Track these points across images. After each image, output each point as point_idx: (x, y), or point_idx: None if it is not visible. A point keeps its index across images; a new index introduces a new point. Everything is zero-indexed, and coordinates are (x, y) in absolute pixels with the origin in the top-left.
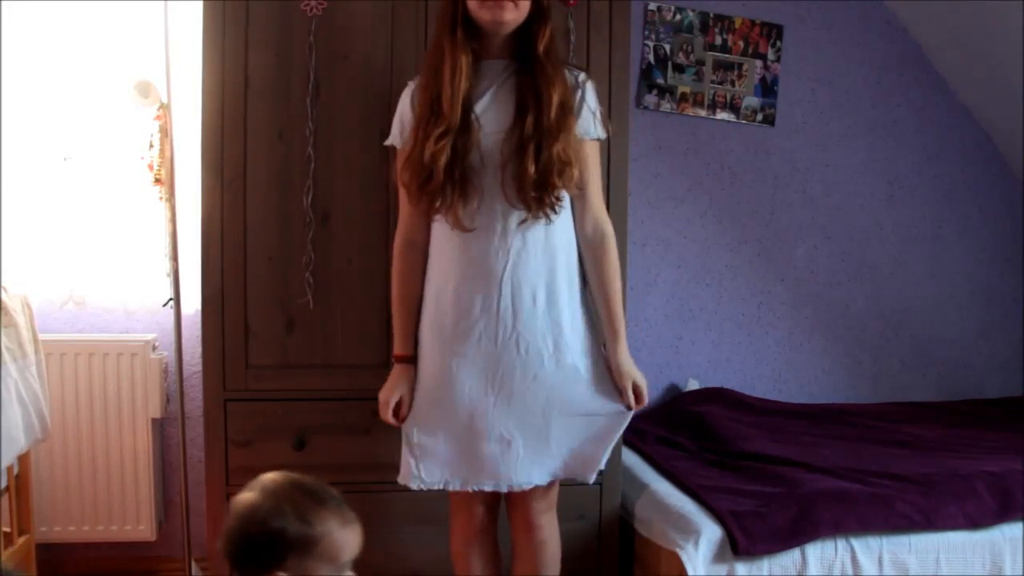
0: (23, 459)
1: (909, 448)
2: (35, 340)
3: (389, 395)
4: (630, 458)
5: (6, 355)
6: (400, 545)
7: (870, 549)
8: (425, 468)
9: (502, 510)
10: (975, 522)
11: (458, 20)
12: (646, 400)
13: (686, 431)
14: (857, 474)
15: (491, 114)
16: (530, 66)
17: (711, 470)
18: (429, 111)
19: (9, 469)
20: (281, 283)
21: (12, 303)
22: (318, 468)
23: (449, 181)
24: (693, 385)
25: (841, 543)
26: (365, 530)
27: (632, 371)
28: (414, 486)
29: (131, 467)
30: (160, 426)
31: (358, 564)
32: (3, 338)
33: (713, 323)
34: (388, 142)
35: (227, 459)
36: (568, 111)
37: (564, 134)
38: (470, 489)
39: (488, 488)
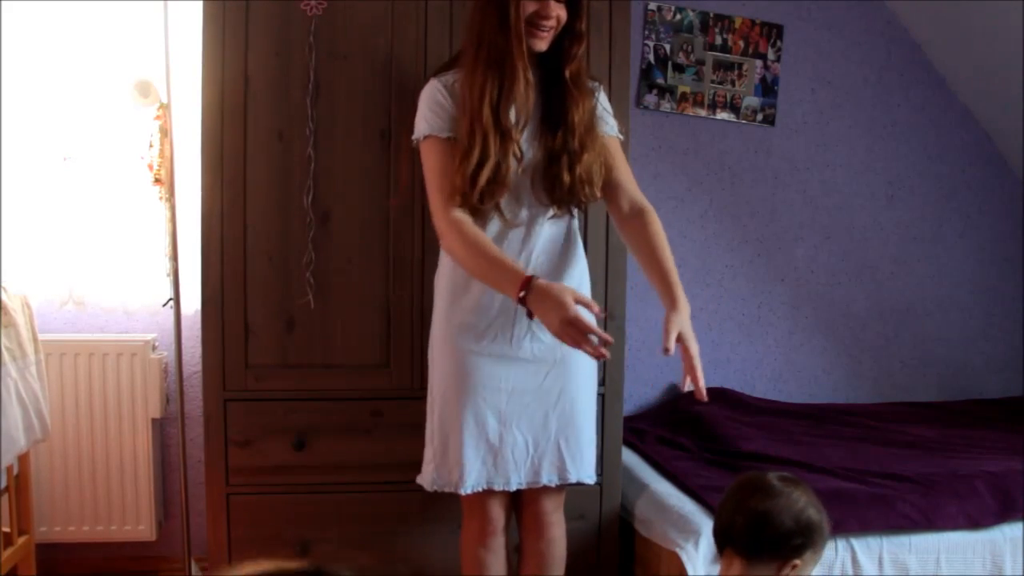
0: (23, 459)
1: (909, 448)
2: (35, 340)
3: (568, 312)
4: (630, 458)
5: (6, 355)
6: (401, 545)
7: (870, 549)
8: (449, 471)
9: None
10: (975, 522)
11: (523, 39)
12: (696, 367)
13: (686, 431)
14: (857, 474)
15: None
16: (561, 84)
17: (711, 470)
18: (485, 129)
19: (9, 469)
20: (281, 283)
21: (12, 303)
22: (318, 468)
23: (491, 186)
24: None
25: (841, 543)
26: (365, 530)
27: (686, 329)
28: (440, 489)
29: (131, 467)
30: (160, 426)
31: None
32: (3, 338)
33: (713, 323)
34: (417, 135)
35: (227, 459)
36: (593, 127)
37: (589, 153)
38: (481, 489)
39: (499, 487)
